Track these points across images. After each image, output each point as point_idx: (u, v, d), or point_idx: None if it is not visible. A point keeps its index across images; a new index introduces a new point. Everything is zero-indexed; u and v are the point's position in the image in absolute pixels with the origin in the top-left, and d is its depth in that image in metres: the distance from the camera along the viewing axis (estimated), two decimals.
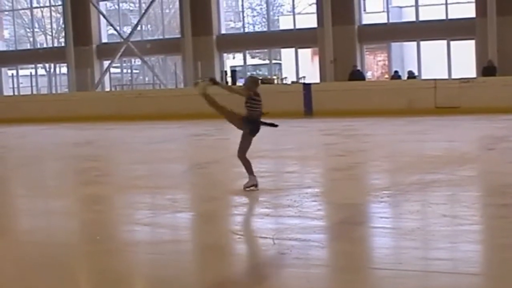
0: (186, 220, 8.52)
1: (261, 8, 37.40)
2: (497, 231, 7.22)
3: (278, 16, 37.65)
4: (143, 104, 26.99)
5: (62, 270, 6.26)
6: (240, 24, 36.37)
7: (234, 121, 9.69)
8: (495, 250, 6.51)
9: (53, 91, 37.55)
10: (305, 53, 33.85)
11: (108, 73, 35.76)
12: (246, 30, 35.42)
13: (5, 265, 6.57)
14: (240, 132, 9.73)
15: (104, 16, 35.52)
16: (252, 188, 9.54)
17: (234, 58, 37.19)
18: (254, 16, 38.97)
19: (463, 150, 13.75)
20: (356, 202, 9.07)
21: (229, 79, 31.57)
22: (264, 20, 35.94)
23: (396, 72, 29.23)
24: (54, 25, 40.12)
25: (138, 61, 37.14)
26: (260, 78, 32.51)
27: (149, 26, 39.41)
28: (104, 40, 36.26)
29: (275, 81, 30.66)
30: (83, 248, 7.23)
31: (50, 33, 40.52)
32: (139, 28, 35.64)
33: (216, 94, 9.56)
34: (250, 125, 9.54)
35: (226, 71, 32.65)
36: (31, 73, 37.83)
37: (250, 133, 9.60)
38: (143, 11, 35.05)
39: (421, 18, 30.14)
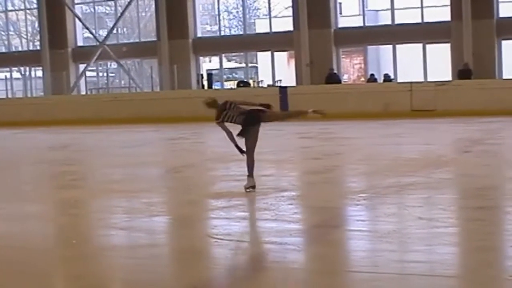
0: (163, 224, 8.49)
1: (237, 12, 37.43)
2: (473, 233, 7.25)
3: (254, 19, 37.69)
4: (119, 107, 26.90)
5: (38, 275, 6.21)
6: (216, 28, 36.35)
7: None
8: (471, 252, 6.54)
9: (28, 95, 37.31)
10: (281, 56, 33.90)
11: (84, 77, 35.57)
12: (222, 33, 35.42)
13: None
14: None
15: (79, 19, 35.34)
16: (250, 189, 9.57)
17: (210, 61, 37.16)
18: (230, 20, 38.99)
19: (439, 153, 13.81)
20: (333, 205, 9.08)
21: (205, 83, 31.54)
22: (240, 23, 35.98)
23: (372, 75, 29.36)
24: (29, 28, 39.86)
25: (114, 65, 36.98)
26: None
27: (125, 29, 39.30)
28: (80, 43, 36.08)
29: (252, 84, 30.67)
30: (59, 253, 7.18)
31: (25, 36, 40.26)
32: (115, 31, 35.50)
33: None
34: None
35: (202, 75, 32.62)
36: (6, 76, 37.58)
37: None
38: (119, 14, 34.91)
39: (397, 21, 30.27)
